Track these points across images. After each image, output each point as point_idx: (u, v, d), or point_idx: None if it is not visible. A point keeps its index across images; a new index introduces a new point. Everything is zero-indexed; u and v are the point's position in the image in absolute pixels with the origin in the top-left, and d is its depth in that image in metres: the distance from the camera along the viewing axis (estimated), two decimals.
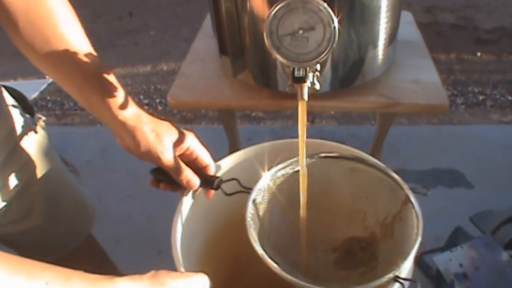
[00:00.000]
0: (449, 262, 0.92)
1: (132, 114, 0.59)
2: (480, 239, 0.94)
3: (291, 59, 0.55)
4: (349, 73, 0.91)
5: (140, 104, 0.63)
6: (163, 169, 0.63)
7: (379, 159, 1.26)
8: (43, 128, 0.80)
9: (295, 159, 0.68)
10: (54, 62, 0.57)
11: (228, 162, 0.74)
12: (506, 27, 2.93)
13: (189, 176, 0.63)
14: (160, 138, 0.60)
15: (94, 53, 0.58)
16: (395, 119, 2.23)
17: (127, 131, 0.59)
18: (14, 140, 0.71)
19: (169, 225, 0.65)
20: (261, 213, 0.67)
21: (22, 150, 0.73)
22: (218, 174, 0.69)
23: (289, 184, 0.70)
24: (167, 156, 0.60)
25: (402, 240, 0.64)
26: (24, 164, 0.73)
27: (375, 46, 0.89)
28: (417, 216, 0.62)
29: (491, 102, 2.33)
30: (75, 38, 0.57)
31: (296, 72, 0.56)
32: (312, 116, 2.30)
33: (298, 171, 0.68)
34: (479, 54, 2.71)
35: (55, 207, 0.83)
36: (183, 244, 0.65)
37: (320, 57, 0.55)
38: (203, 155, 0.66)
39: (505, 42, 2.80)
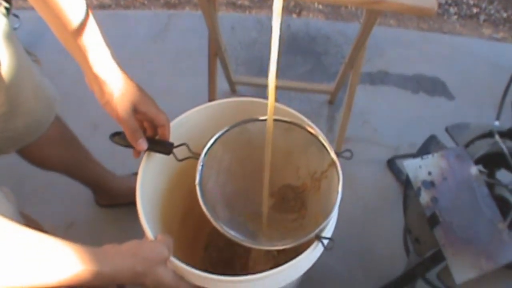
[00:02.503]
0: (418, 168, 0.93)
1: (106, 70, 0.67)
2: (452, 150, 0.95)
3: None
4: None
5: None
6: (123, 134, 0.73)
7: (361, 58, 1.23)
8: (4, 15, 0.76)
9: (240, 121, 0.78)
10: (52, 15, 0.63)
11: (180, 123, 0.83)
12: None
13: (139, 138, 0.72)
14: (123, 97, 0.68)
15: (88, 11, 0.64)
16: (383, 20, 2.16)
17: (97, 83, 0.67)
18: None
19: None
20: (208, 174, 0.76)
21: None
22: (172, 135, 0.78)
23: (234, 145, 0.80)
24: (123, 113, 0.69)
25: (326, 197, 0.74)
26: None
27: None
28: (338, 184, 0.70)
29: (484, 16, 2.25)
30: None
31: None
32: (299, 8, 2.20)
33: (243, 133, 0.78)
34: None
35: (17, 95, 0.81)
36: (147, 203, 0.76)
37: None
38: (160, 117, 0.74)
39: None
